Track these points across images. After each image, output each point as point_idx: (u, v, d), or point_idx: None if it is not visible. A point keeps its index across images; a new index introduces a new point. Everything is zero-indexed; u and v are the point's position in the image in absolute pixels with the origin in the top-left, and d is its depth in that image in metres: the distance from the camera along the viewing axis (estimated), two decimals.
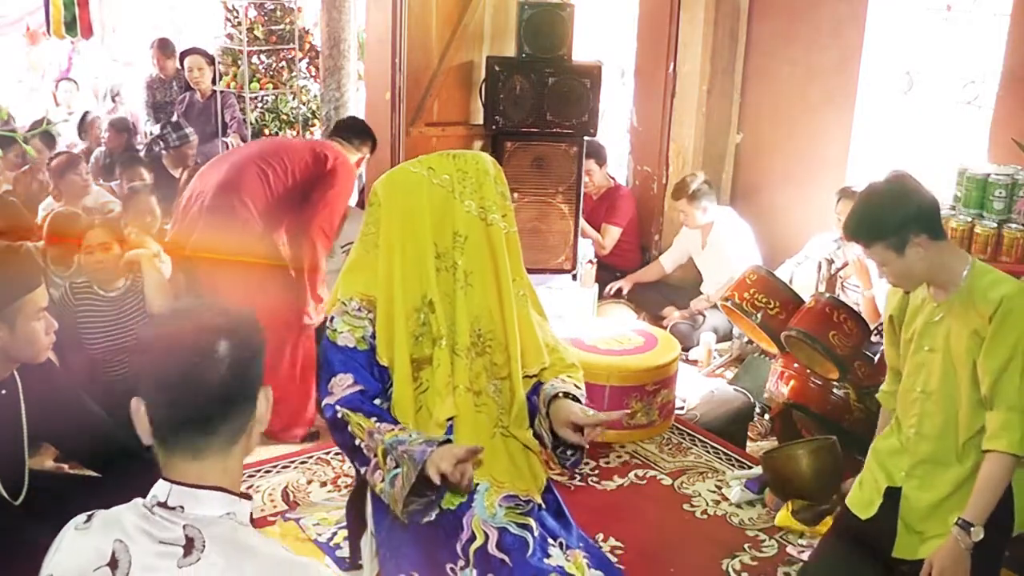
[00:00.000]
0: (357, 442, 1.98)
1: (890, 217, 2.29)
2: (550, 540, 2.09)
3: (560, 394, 2.10)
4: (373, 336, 2.07)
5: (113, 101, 8.47)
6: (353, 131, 4.24)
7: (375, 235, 2.10)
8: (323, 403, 2.06)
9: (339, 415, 2.02)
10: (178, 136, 5.93)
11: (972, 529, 2.24)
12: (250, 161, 3.87)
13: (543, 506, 2.16)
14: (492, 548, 2.01)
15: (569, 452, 2.12)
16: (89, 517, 1.46)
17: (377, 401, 2.07)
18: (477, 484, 2.10)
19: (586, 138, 4.84)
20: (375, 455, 1.94)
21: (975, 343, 2.27)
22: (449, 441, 1.98)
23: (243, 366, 1.40)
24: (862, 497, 2.52)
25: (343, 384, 2.03)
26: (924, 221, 2.28)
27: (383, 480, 1.92)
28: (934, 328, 2.37)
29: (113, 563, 1.38)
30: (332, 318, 2.11)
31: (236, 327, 1.41)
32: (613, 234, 5.55)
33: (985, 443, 2.28)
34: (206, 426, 1.39)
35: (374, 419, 2.00)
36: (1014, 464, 2.27)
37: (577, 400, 2.11)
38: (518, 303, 2.11)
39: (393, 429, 1.97)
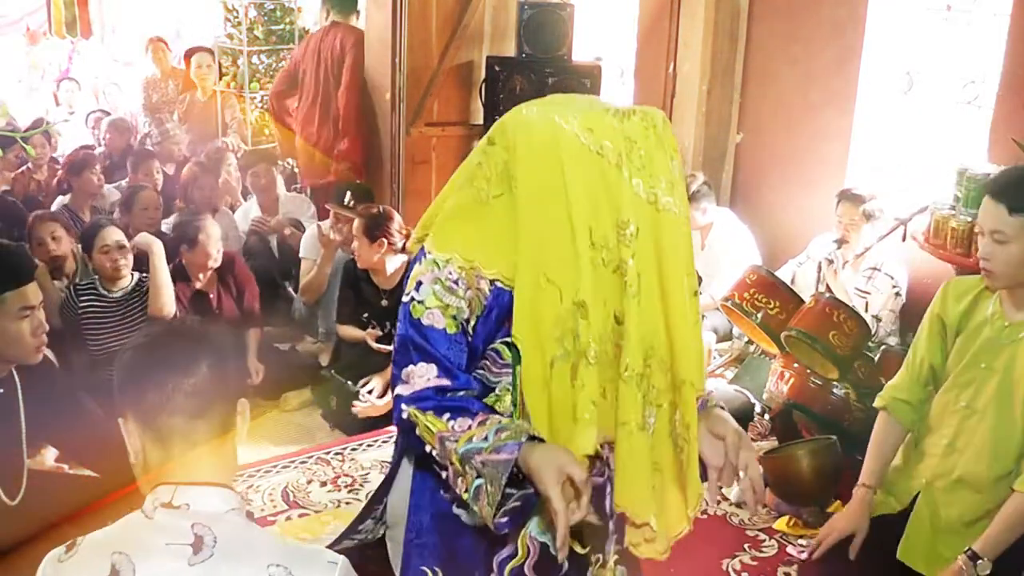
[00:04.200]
0: (427, 449, 1.59)
1: None
2: (591, 557, 1.83)
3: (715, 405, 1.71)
4: (467, 320, 1.63)
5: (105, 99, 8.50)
6: None
7: (490, 183, 1.63)
8: (394, 394, 1.66)
9: (405, 415, 1.61)
10: None
11: (979, 563, 2.15)
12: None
13: None
14: (528, 568, 1.76)
15: None
16: (71, 545, 1.40)
17: (462, 394, 1.63)
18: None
19: None
20: (450, 463, 1.54)
21: None
22: (539, 439, 1.51)
23: (218, 370, 1.43)
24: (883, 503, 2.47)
25: (423, 375, 1.61)
26: None
27: (467, 491, 1.52)
28: (998, 347, 2.26)
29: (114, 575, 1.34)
30: (419, 284, 1.63)
31: (212, 337, 1.46)
32: None
33: (1017, 483, 2.19)
34: (193, 416, 1.41)
35: (447, 416, 1.57)
36: None
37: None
38: (691, 310, 1.58)
39: (469, 429, 1.54)
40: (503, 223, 1.60)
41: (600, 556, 1.84)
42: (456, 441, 1.53)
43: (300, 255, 4.89)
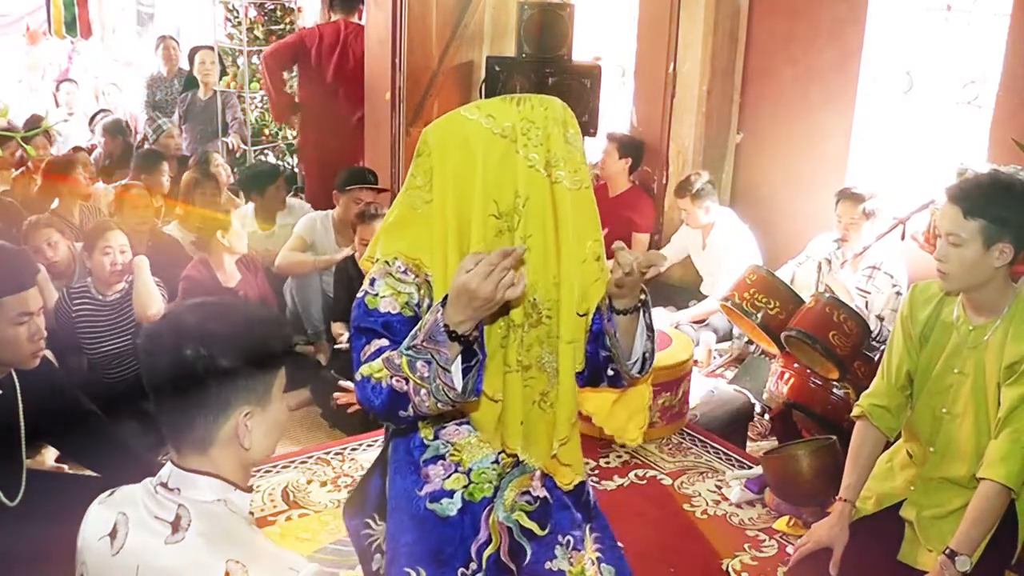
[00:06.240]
0: (384, 384, 1.67)
1: (1011, 208, 2.15)
2: (559, 538, 1.94)
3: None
4: (418, 304, 1.80)
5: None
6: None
7: (423, 190, 1.83)
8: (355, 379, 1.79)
9: (359, 379, 1.73)
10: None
11: (958, 559, 2.16)
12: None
13: (551, 497, 1.96)
14: (503, 554, 1.89)
15: (640, 358, 1.92)
16: (113, 492, 1.55)
17: None
18: (505, 473, 1.90)
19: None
20: (406, 379, 1.65)
21: (1007, 376, 2.20)
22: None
23: (215, 366, 1.44)
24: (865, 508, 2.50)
25: (376, 347, 1.75)
26: None
27: (430, 395, 1.64)
28: (966, 352, 2.29)
29: (113, 533, 1.47)
30: (373, 280, 1.82)
31: (224, 332, 1.47)
32: (642, 242, 5.45)
33: (981, 471, 2.21)
34: (173, 411, 1.47)
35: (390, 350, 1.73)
36: (1008, 497, 2.20)
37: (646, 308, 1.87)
38: (584, 269, 1.85)
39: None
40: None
41: (570, 538, 1.94)
42: (398, 349, 1.68)
43: (294, 231, 4.89)
